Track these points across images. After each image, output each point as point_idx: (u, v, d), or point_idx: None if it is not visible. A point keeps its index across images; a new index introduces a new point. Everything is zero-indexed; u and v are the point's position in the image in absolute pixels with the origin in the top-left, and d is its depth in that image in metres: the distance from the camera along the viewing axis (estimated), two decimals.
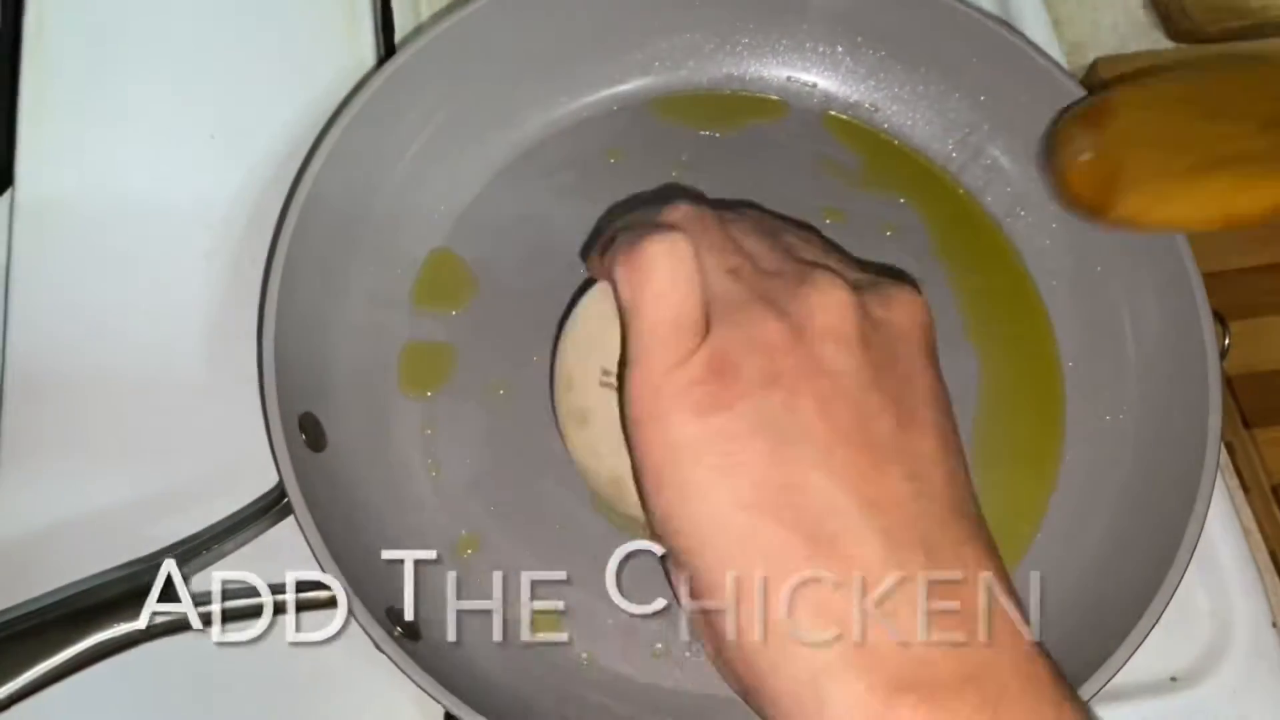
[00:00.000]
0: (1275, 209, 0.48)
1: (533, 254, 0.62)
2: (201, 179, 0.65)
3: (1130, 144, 0.51)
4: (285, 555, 0.49)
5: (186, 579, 0.49)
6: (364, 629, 0.47)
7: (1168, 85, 0.55)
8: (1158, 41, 0.73)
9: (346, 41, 0.69)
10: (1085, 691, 0.48)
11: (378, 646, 0.46)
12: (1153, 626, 0.49)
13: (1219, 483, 0.59)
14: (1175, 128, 0.51)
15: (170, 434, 0.58)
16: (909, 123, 0.66)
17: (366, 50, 0.69)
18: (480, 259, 0.62)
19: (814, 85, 0.67)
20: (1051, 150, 0.57)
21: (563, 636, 0.54)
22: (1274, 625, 0.57)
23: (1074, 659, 0.49)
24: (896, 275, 0.57)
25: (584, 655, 0.54)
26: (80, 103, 0.67)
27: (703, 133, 0.66)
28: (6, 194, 0.64)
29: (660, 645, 0.54)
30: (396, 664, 0.46)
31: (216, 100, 0.68)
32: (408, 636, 0.50)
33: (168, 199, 0.65)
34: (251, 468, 0.52)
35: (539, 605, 0.55)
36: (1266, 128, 0.48)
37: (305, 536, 0.48)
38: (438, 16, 0.70)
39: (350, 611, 0.47)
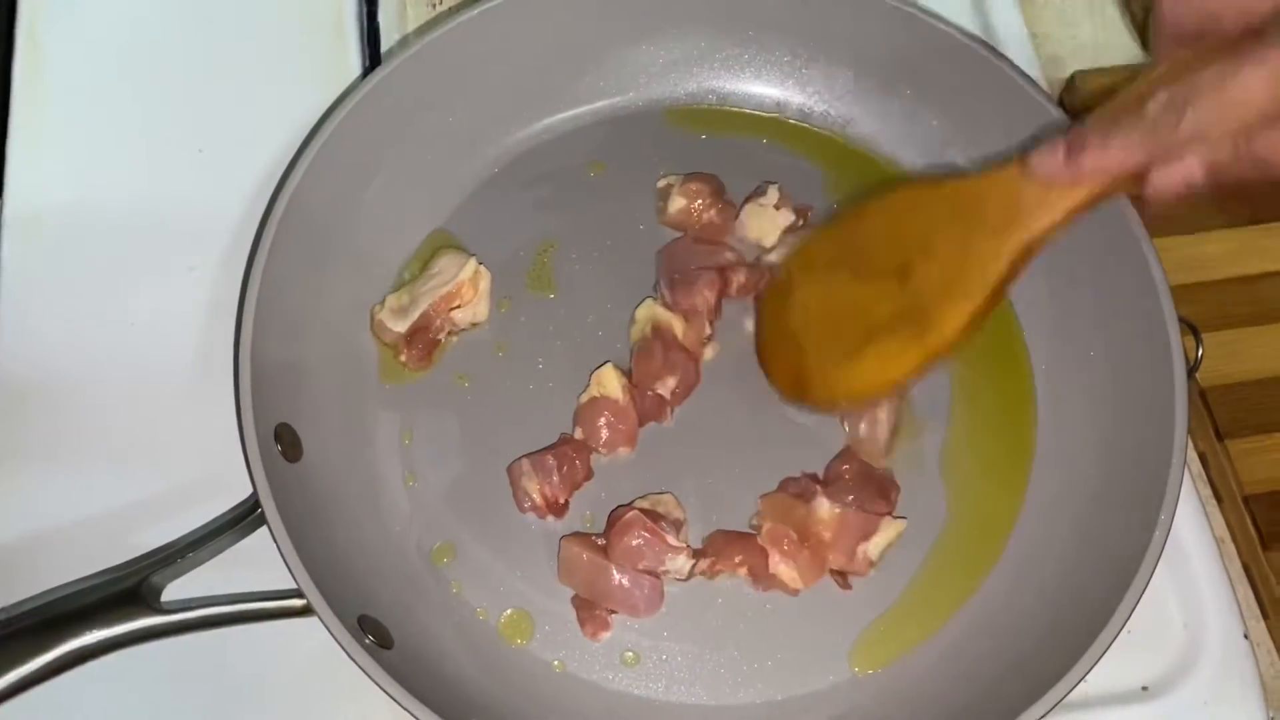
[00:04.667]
0: (917, 372, 0.52)
1: (511, 264, 0.63)
2: (189, 192, 0.66)
3: (804, 327, 0.56)
4: (262, 563, 0.50)
5: (162, 587, 0.50)
6: (335, 637, 0.47)
7: (826, 239, 0.58)
8: (1134, 55, 0.73)
9: (333, 56, 0.70)
10: (1052, 696, 0.48)
11: (348, 655, 0.47)
12: (1118, 633, 0.49)
13: (1192, 493, 0.60)
14: (835, 297, 0.55)
15: (152, 443, 0.59)
16: (883, 137, 0.67)
17: (353, 63, 0.70)
18: None
19: (789, 100, 0.68)
20: (757, 345, 0.60)
21: (535, 643, 0.55)
22: (1245, 635, 0.57)
23: (1042, 665, 0.50)
24: None
25: (555, 663, 0.54)
26: (70, 118, 0.68)
27: (680, 146, 0.67)
28: None
29: (630, 653, 0.55)
30: (366, 672, 0.47)
31: (205, 115, 0.69)
32: (379, 645, 0.50)
33: (155, 213, 0.66)
34: (231, 476, 0.53)
35: (512, 613, 0.55)
36: (902, 280, 0.52)
37: (278, 546, 0.49)
38: (421, 30, 0.71)
39: (321, 620, 0.47)
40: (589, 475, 0.58)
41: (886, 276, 0.52)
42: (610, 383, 0.58)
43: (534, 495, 0.56)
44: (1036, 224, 0.48)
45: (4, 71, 0.69)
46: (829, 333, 0.55)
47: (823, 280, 0.56)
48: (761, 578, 0.56)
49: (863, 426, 0.59)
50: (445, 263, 0.61)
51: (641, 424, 0.59)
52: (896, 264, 0.52)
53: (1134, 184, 0.45)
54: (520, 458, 0.57)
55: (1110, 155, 0.44)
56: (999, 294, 0.50)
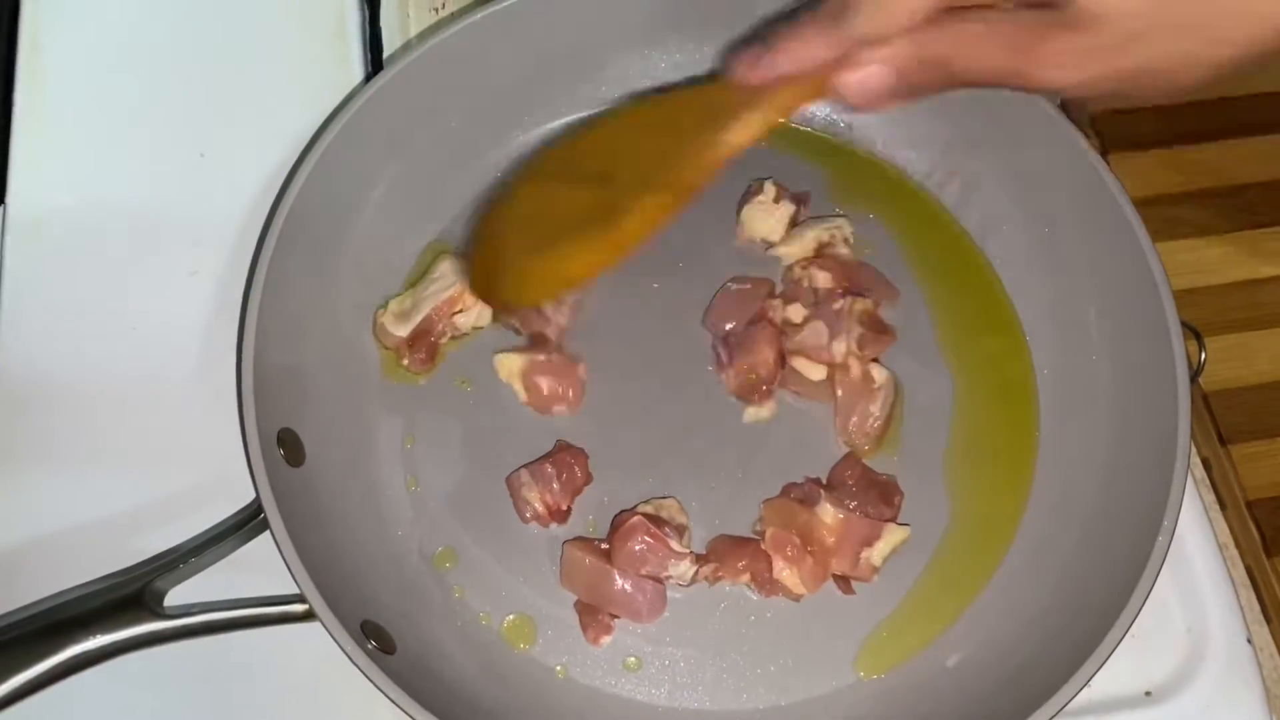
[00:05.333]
0: (599, 265, 0.51)
1: None
2: (191, 196, 0.66)
3: (507, 229, 0.55)
4: (264, 568, 0.50)
5: (165, 592, 0.50)
6: (337, 642, 0.47)
7: (550, 153, 0.57)
8: None
9: (335, 61, 0.70)
10: (1056, 702, 0.48)
11: (351, 660, 0.47)
12: (1121, 639, 0.49)
13: (1195, 498, 0.60)
14: (540, 201, 0.54)
15: (154, 448, 0.59)
16: (885, 140, 0.67)
17: (355, 69, 0.70)
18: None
19: None
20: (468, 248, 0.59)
21: (538, 649, 0.55)
22: (1249, 640, 0.57)
23: (1046, 670, 0.50)
24: None
25: (558, 668, 0.54)
26: (73, 120, 0.68)
27: None
28: None
29: (633, 659, 0.55)
30: (369, 678, 0.47)
31: (207, 118, 0.69)
32: (382, 650, 0.50)
33: (157, 216, 0.66)
34: (234, 481, 0.53)
35: (515, 618, 0.55)
36: (603, 184, 0.51)
37: (280, 551, 0.49)
38: (423, 36, 0.71)
39: (324, 625, 0.47)
40: (588, 480, 0.58)
41: (590, 181, 0.52)
42: (509, 366, 0.60)
43: (535, 504, 0.56)
44: (730, 126, 0.47)
45: (7, 76, 0.70)
46: (526, 232, 0.54)
47: (535, 188, 0.56)
48: (764, 583, 0.55)
49: (854, 419, 0.59)
50: (447, 267, 0.61)
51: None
52: (601, 170, 0.52)
53: (826, 87, 0.45)
54: (519, 469, 0.57)
55: (795, 55, 0.45)
56: (686, 192, 0.49)
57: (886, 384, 0.59)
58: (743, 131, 0.48)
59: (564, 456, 0.57)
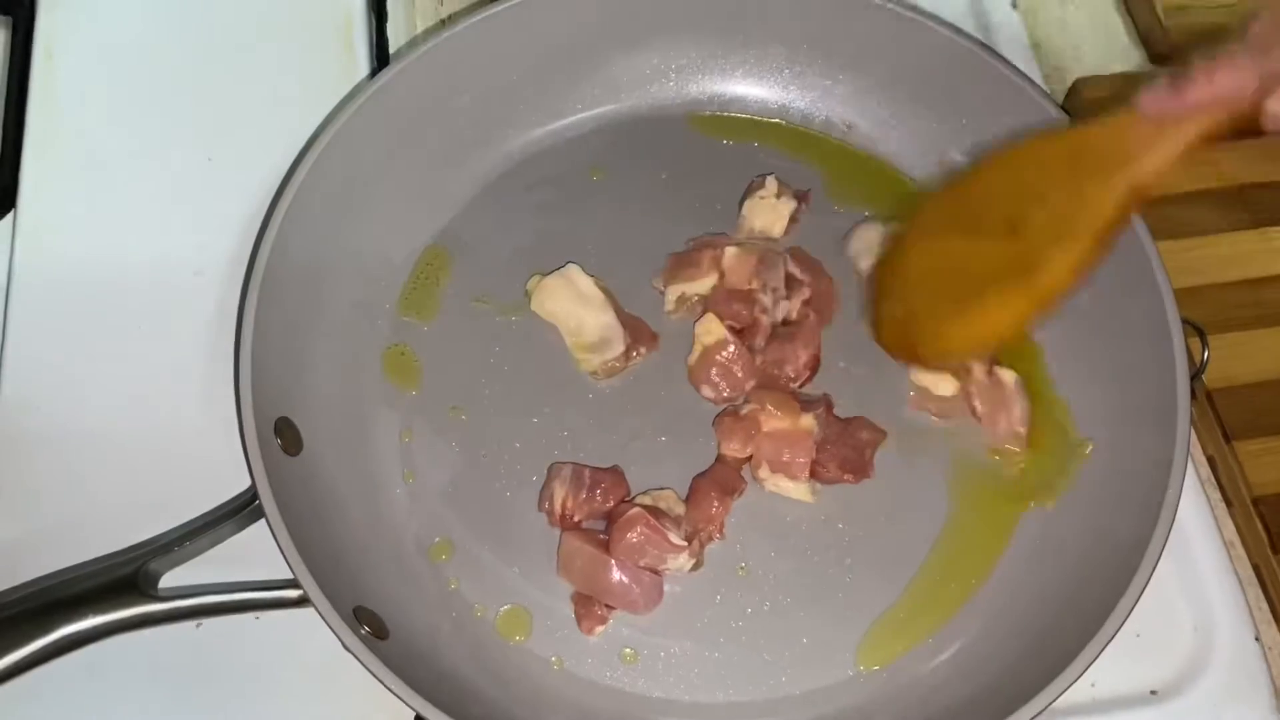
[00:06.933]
0: (1024, 319, 0.51)
1: (514, 266, 0.64)
2: (198, 200, 0.67)
3: (915, 288, 0.56)
4: (260, 554, 0.50)
5: (159, 575, 0.50)
6: (329, 626, 0.47)
7: (939, 202, 0.57)
8: (1137, 62, 0.73)
9: (342, 66, 0.71)
10: (1050, 692, 0.47)
11: (344, 645, 0.47)
12: (1116, 633, 0.48)
13: (1201, 497, 0.60)
14: (947, 256, 0.54)
15: (157, 435, 0.59)
16: (885, 141, 0.67)
17: (361, 74, 0.71)
18: (463, 271, 0.64)
19: (792, 105, 0.68)
20: (867, 302, 0.59)
21: (533, 641, 0.55)
22: (1256, 638, 0.56)
23: (1042, 662, 0.49)
24: None
25: (553, 659, 0.54)
26: (84, 129, 0.69)
27: (682, 151, 0.67)
28: (9, 216, 0.66)
29: (628, 650, 0.54)
30: (363, 663, 0.47)
31: (215, 124, 0.70)
32: (375, 636, 0.50)
33: (165, 219, 0.67)
34: (234, 469, 0.53)
35: (510, 609, 0.55)
36: (1013, 233, 0.51)
37: (275, 537, 0.49)
38: (429, 33, 0.72)
39: (317, 609, 0.47)
40: (613, 509, 0.57)
41: (998, 231, 0.51)
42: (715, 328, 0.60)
43: (556, 500, 0.56)
44: (1144, 164, 0.46)
45: (21, 86, 0.71)
46: (940, 290, 0.54)
47: (936, 242, 0.55)
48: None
49: (1001, 425, 0.59)
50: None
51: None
52: (1008, 218, 0.51)
53: (1246, 118, 0.43)
54: (566, 462, 0.57)
55: (1218, 84, 0.43)
56: (1106, 238, 0.49)
57: (1016, 385, 0.59)
58: (1153, 168, 0.46)
59: (607, 476, 0.57)
